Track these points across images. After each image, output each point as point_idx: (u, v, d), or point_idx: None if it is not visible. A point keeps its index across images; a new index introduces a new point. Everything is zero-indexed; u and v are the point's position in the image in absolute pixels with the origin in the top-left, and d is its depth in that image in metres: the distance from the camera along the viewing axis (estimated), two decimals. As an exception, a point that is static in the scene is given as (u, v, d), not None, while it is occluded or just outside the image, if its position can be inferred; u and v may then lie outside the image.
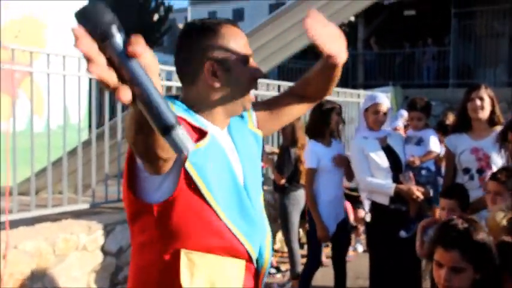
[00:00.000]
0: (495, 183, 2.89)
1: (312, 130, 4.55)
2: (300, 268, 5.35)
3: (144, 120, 1.00)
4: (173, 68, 5.27)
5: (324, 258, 6.22)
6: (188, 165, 1.47)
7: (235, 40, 1.59)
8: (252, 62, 1.62)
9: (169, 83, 5.17)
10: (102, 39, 0.91)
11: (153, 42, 26.77)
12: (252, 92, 1.66)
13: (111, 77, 0.91)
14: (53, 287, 3.93)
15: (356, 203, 6.64)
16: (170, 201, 1.48)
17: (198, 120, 1.55)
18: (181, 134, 0.96)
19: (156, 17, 28.29)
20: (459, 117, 3.89)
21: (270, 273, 5.76)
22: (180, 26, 40.50)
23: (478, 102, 3.65)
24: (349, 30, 15.51)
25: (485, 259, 1.91)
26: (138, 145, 1.28)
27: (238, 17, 38.20)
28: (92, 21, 0.90)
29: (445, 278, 1.91)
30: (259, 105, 1.86)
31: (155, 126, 0.97)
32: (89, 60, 0.88)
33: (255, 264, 1.65)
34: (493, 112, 3.69)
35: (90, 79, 4.86)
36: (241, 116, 1.74)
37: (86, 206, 4.62)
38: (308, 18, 1.54)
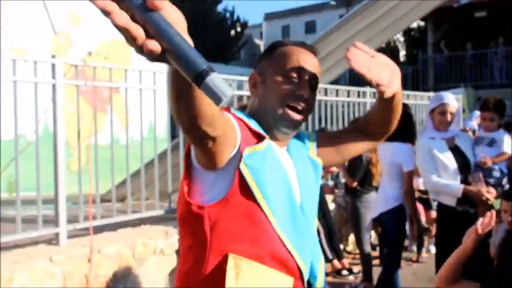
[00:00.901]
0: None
1: (402, 133, 4.26)
2: (371, 270, 5.17)
3: (179, 79, 0.95)
4: (245, 78, 5.33)
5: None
6: (243, 167, 1.39)
7: (287, 55, 1.51)
8: (303, 81, 1.50)
9: (240, 92, 5.16)
10: None
11: (231, 57, 27.20)
12: (295, 115, 1.51)
13: (137, 29, 0.84)
14: (134, 289, 3.98)
15: (428, 204, 6.39)
16: (222, 203, 1.40)
17: (257, 126, 1.48)
18: (217, 79, 0.86)
19: (232, 33, 28.69)
20: None
21: (342, 275, 5.60)
22: (256, 40, 40.91)
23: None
24: (419, 35, 15.04)
25: None
26: (182, 117, 1.19)
27: (310, 29, 38.09)
28: None
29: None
30: (322, 138, 1.73)
31: (189, 77, 0.88)
32: (109, 13, 0.82)
33: (305, 286, 1.53)
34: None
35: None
36: (303, 142, 1.65)
37: (161, 212, 4.64)
38: (352, 48, 1.43)
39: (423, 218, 6.27)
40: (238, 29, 29.54)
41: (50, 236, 3.83)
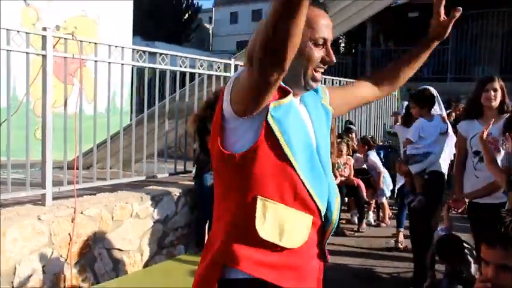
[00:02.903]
0: None
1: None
2: None
3: None
4: (201, 57, 5.35)
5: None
6: (270, 118, 1.45)
7: (314, 22, 1.52)
8: (328, 46, 1.56)
9: (191, 70, 5.21)
10: None
11: (184, 39, 26.81)
12: (319, 76, 1.59)
13: None
14: (111, 248, 4.02)
15: (368, 182, 6.71)
16: (251, 151, 1.46)
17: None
18: None
19: (186, 16, 28.28)
20: (471, 105, 3.86)
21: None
22: (206, 25, 40.39)
23: (492, 92, 3.64)
24: (358, 30, 15.38)
25: None
26: (280, 41, 1.26)
27: (257, 16, 37.99)
28: None
29: (492, 275, 1.61)
30: (336, 89, 1.81)
31: None
32: None
33: (323, 221, 1.60)
34: (502, 101, 3.67)
35: (133, 68, 4.86)
36: (316, 91, 1.69)
37: (141, 178, 4.67)
38: None
39: (365, 194, 6.58)
40: (190, 13, 29.12)
41: (36, 197, 3.81)
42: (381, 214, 6.87)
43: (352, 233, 6.33)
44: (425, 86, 4.69)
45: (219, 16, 41.93)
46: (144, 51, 4.63)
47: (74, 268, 3.71)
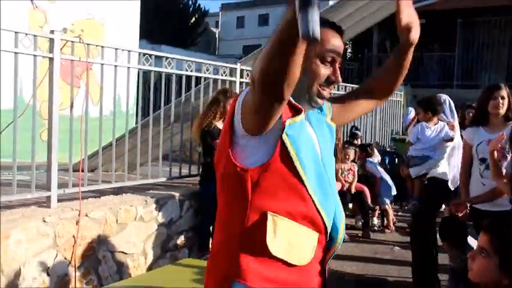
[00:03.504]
0: None
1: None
2: None
3: (292, 31, 1.02)
4: (207, 61, 5.36)
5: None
6: (285, 137, 1.47)
7: (325, 38, 1.52)
8: (335, 66, 1.57)
9: (197, 74, 5.22)
10: None
11: (190, 43, 26.90)
12: (326, 93, 1.59)
13: None
14: (115, 251, 4.03)
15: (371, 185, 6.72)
16: (264, 167, 1.48)
17: (292, 100, 1.54)
18: (315, 17, 0.90)
19: (192, 20, 28.39)
20: (479, 112, 3.86)
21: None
22: (212, 29, 40.50)
23: (500, 100, 3.65)
24: (365, 35, 15.39)
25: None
26: (275, 75, 1.27)
27: (263, 21, 38.10)
28: None
29: (471, 254, 1.69)
30: (334, 100, 1.82)
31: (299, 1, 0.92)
32: None
33: (328, 239, 1.61)
34: (508, 109, 3.68)
35: (139, 71, 4.88)
36: (321, 109, 1.70)
37: (146, 181, 4.68)
38: None
39: (369, 199, 6.58)
40: (197, 17, 29.24)
41: (41, 199, 3.83)
42: (385, 220, 6.87)
43: (357, 238, 6.33)
44: (439, 94, 4.78)
45: (225, 20, 42.05)
46: (150, 55, 4.65)
47: (78, 271, 3.72)
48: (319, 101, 1.59)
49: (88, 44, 3.92)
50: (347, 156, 6.49)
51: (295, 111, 1.52)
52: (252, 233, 1.49)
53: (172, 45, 20.24)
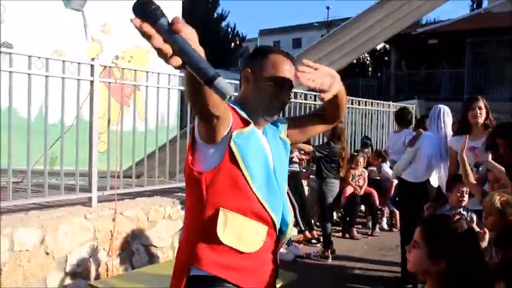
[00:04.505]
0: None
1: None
2: (330, 238, 5.34)
3: (195, 80, 1.03)
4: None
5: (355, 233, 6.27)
6: (232, 144, 1.53)
7: (277, 65, 1.61)
8: (285, 88, 1.63)
9: (235, 93, 5.30)
10: (153, 22, 0.95)
11: (231, 64, 27.29)
12: (276, 112, 1.67)
13: (167, 48, 0.95)
14: (146, 244, 4.19)
15: (381, 189, 6.65)
16: (216, 170, 1.54)
17: (244, 113, 1.61)
18: (223, 83, 0.95)
19: (232, 45, 28.85)
20: (461, 122, 3.85)
21: (312, 243, 5.76)
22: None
23: (478, 110, 3.64)
24: (383, 55, 15.29)
25: (441, 249, 1.56)
26: (195, 103, 1.35)
27: (296, 44, 38.17)
28: (143, 11, 0.96)
29: (408, 247, 1.66)
30: (290, 121, 1.87)
31: (202, 81, 0.97)
32: (150, 37, 0.94)
33: (277, 233, 1.67)
34: (486, 118, 3.67)
35: (181, 91, 5.06)
36: (276, 126, 1.76)
37: (170, 186, 4.83)
38: (299, 66, 1.52)
39: (377, 202, 6.54)
40: (237, 42, 29.62)
41: (84, 200, 4.03)
42: (393, 220, 6.80)
43: (366, 236, 6.31)
44: (405, 106, 4.91)
45: (263, 44, 42.33)
46: None
47: (115, 260, 3.89)
48: (270, 119, 1.67)
49: (123, 69, 4.13)
50: (358, 163, 6.46)
51: (245, 123, 1.60)
52: (208, 226, 1.57)
53: (216, 66, 20.58)
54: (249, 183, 1.57)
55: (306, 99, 6.57)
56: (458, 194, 3.31)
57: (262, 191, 1.60)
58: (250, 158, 1.57)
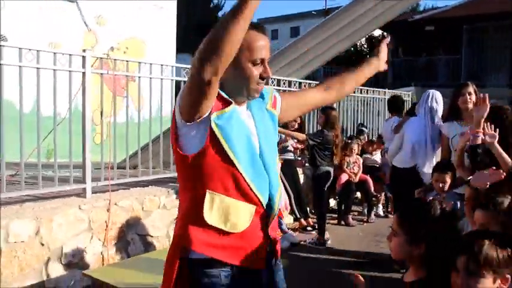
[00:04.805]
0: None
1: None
2: (324, 225, 5.35)
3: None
4: None
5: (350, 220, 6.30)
6: (213, 125, 1.54)
7: (251, 44, 1.58)
8: (265, 64, 1.62)
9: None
10: None
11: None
12: (260, 87, 1.65)
13: None
14: (142, 234, 4.22)
15: (376, 177, 6.67)
16: (200, 153, 1.56)
17: (225, 94, 1.60)
18: None
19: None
20: (451, 108, 3.85)
21: (307, 231, 5.77)
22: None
23: (467, 96, 3.65)
24: (379, 42, 15.23)
25: (418, 233, 1.60)
26: (209, 60, 1.37)
27: (295, 33, 37.95)
28: None
29: (388, 236, 1.71)
30: (288, 94, 1.87)
31: None
32: None
33: (266, 210, 1.67)
34: (476, 103, 3.65)
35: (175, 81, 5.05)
36: (262, 97, 1.73)
37: (163, 176, 4.83)
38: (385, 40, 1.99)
39: (372, 188, 6.56)
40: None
41: (78, 191, 4.06)
42: (389, 206, 6.84)
43: (362, 223, 6.34)
44: (397, 94, 4.87)
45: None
46: (184, 68, 4.81)
47: (110, 250, 3.92)
48: (256, 95, 1.67)
49: (115, 60, 4.13)
50: (352, 150, 6.46)
51: (225, 103, 1.59)
52: (195, 208, 1.60)
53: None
54: (234, 165, 1.58)
55: (290, 86, 6.39)
56: (437, 182, 3.42)
57: (248, 171, 1.61)
58: (234, 138, 1.58)
